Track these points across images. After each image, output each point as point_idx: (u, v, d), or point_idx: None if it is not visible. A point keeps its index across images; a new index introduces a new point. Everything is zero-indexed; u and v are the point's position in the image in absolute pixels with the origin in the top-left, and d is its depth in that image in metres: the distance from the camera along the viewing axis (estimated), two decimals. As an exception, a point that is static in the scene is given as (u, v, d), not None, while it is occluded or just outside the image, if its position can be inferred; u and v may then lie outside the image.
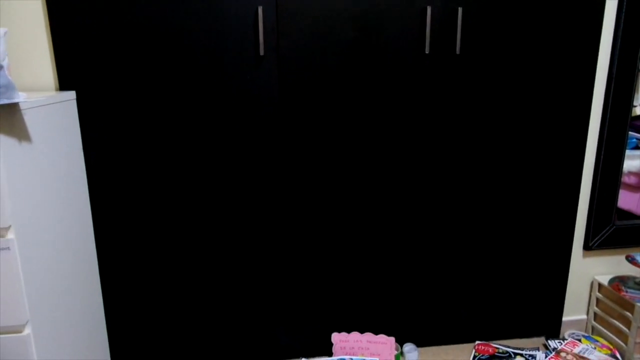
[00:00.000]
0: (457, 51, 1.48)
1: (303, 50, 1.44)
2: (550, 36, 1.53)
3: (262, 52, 1.40)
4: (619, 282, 1.75)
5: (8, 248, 0.99)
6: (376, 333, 1.72)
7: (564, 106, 1.60)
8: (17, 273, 1.01)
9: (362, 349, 1.68)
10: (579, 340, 1.75)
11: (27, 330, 1.04)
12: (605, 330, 1.77)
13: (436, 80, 1.51)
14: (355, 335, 1.69)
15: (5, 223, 0.98)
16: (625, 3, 1.56)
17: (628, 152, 1.73)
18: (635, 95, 1.70)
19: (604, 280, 1.78)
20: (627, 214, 1.79)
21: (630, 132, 1.72)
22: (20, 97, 1.03)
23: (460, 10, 1.45)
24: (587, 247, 1.78)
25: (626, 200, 1.77)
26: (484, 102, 1.56)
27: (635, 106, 1.72)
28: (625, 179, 1.76)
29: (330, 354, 1.71)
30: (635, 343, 1.63)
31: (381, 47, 1.47)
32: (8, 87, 1.00)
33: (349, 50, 1.46)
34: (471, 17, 1.48)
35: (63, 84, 1.36)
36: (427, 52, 1.47)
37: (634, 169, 1.75)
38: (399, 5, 1.44)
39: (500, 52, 1.52)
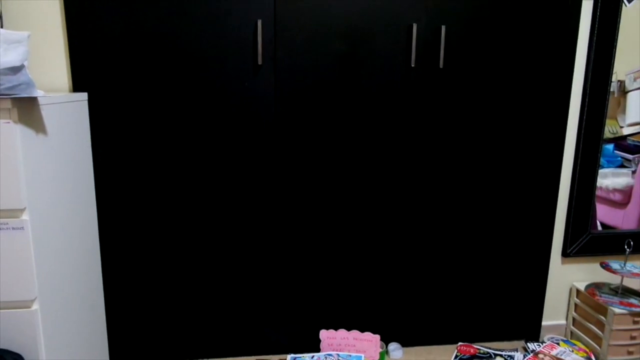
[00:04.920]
0: (441, 65, 1.60)
1: (298, 61, 1.56)
2: (528, 54, 1.65)
3: (260, 62, 1.52)
4: (594, 287, 1.83)
5: (22, 228, 1.09)
6: (362, 331, 1.79)
7: (542, 119, 1.71)
8: (29, 252, 1.10)
9: (349, 345, 1.76)
10: (557, 344, 1.82)
11: (35, 306, 1.13)
12: (582, 335, 1.84)
13: (421, 91, 1.63)
14: (342, 332, 1.77)
15: (21, 205, 1.08)
16: (596, 27, 1.68)
17: (613, 170, 1.83)
18: (622, 117, 1.82)
19: (582, 286, 1.86)
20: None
21: (616, 151, 1.83)
22: (39, 93, 1.14)
23: (443, 28, 1.57)
24: (566, 254, 1.87)
25: (612, 216, 1.87)
26: (466, 113, 1.67)
27: (621, 127, 1.83)
28: (610, 195, 1.85)
29: (317, 350, 1.78)
30: (609, 346, 1.70)
31: (370, 60, 1.59)
32: (29, 84, 1.11)
33: (340, 62, 1.58)
34: (454, 34, 1.60)
35: (76, 86, 1.48)
36: (413, 65, 1.59)
37: (619, 187, 1.85)
38: (387, 22, 1.56)
39: (480, 67, 1.64)
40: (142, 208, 1.60)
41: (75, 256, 1.38)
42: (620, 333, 1.69)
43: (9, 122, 1.04)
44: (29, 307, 1.13)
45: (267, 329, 1.76)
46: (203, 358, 1.76)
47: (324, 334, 1.77)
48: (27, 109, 1.10)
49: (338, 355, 1.72)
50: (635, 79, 1.77)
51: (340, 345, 1.76)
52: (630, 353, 1.72)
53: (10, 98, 1.04)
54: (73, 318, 1.35)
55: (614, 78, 1.75)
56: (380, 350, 1.75)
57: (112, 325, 1.67)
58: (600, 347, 1.74)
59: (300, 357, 1.73)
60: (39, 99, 1.15)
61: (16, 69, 1.09)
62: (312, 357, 1.72)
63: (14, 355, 1.11)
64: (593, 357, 1.75)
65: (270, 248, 1.69)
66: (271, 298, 1.74)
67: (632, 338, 1.70)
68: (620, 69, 1.75)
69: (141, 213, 1.60)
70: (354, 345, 1.76)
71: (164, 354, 1.73)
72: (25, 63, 1.14)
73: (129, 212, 1.60)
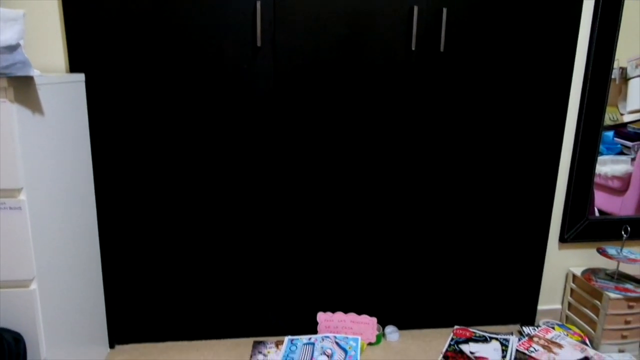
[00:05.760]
0: (442, 49, 1.59)
1: (298, 44, 1.54)
2: (529, 39, 1.64)
3: (259, 44, 1.51)
4: (590, 272, 1.85)
5: (19, 208, 1.09)
6: (359, 314, 1.81)
7: (542, 106, 1.70)
8: (27, 232, 1.10)
9: (346, 328, 1.77)
10: (552, 328, 1.84)
11: (33, 286, 1.14)
12: (577, 319, 1.86)
13: (421, 75, 1.62)
14: (339, 315, 1.79)
15: (18, 185, 1.08)
16: (599, 13, 1.66)
17: (613, 157, 1.83)
18: (623, 104, 1.81)
19: (578, 271, 1.87)
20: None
21: (616, 139, 1.83)
22: (35, 73, 1.13)
23: (445, 10, 1.55)
24: (563, 239, 1.87)
25: (610, 203, 1.87)
26: (466, 98, 1.66)
27: (622, 114, 1.82)
28: (609, 183, 1.86)
29: (315, 332, 1.80)
30: (603, 330, 1.72)
31: (371, 43, 1.58)
32: (25, 63, 1.11)
33: (340, 45, 1.56)
34: (455, 17, 1.58)
35: (73, 67, 1.47)
36: (413, 48, 1.58)
37: (618, 174, 1.85)
38: (388, 4, 1.54)
39: (482, 52, 1.62)
40: (141, 189, 1.60)
41: (73, 236, 1.38)
42: (615, 317, 1.71)
43: (5, 101, 1.04)
44: (28, 287, 1.13)
45: (265, 311, 1.78)
46: (201, 339, 1.77)
47: (321, 316, 1.78)
48: (23, 89, 1.09)
49: (335, 337, 1.73)
50: (637, 66, 1.75)
51: (337, 327, 1.78)
52: (624, 337, 1.74)
53: (6, 77, 1.03)
54: (71, 297, 1.36)
55: (615, 65, 1.74)
56: (377, 332, 1.77)
57: (111, 305, 1.68)
58: (594, 331, 1.76)
59: (297, 339, 1.75)
60: (35, 78, 1.15)
61: (12, 48, 1.08)
62: (310, 338, 1.74)
63: (13, 334, 1.12)
64: (587, 341, 1.76)
65: (269, 231, 1.70)
66: (270, 281, 1.75)
67: (627, 322, 1.72)
68: (622, 56, 1.74)
69: (140, 194, 1.60)
70: (351, 328, 1.77)
71: (162, 334, 1.75)
72: (21, 42, 1.13)
73: (128, 192, 1.60)
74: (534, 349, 1.70)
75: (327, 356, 1.64)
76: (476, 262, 1.84)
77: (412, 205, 1.74)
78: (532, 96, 1.69)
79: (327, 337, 1.74)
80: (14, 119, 1.05)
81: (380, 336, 1.79)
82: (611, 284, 1.75)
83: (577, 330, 1.82)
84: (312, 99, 1.60)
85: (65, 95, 1.34)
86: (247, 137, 1.60)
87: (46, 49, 1.47)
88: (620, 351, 1.75)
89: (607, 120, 1.80)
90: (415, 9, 1.54)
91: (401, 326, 1.86)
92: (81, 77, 1.46)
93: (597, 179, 1.84)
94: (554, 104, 1.71)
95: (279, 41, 1.53)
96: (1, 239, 1.10)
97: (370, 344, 1.76)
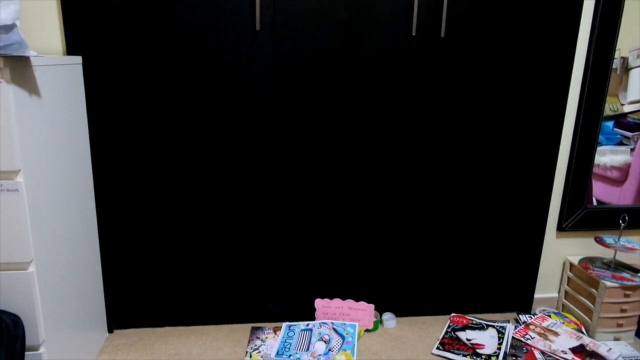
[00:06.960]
0: (442, 34, 1.57)
1: (297, 27, 1.53)
2: (532, 25, 1.62)
3: (258, 27, 1.49)
4: (587, 261, 1.85)
5: (17, 190, 1.08)
6: (357, 301, 1.82)
7: (542, 95, 1.70)
8: (24, 214, 1.10)
9: (343, 314, 1.78)
10: (549, 316, 1.85)
11: (31, 268, 1.13)
12: (574, 308, 1.87)
13: (421, 61, 1.61)
14: (337, 301, 1.79)
15: (15, 166, 1.07)
16: (601, 2, 1.64)
17: (612, 148, 1.82)
18: (623, 94, 1.80)
19: (576, 260, 1.88)
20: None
21: (615, 129, 1.82)
22: (32, 53, 1.12)
23: (446, -4, 1.54)
24: (561, 228, 1.88)
25: (608, 194, 1.87)
26: (466, 85, 1.65)
27: (622, 104, 1.81)
28: (607, 173, 1.85)
29: (313, 319, 1.80)
30: (599, 318, 1.73)
31: (371, 28, 1.56)
32: (21, 44, 1.09)
33: (340, 29, 1.55)
34: (456, 3, 1.57)
35: (70, 49, 1.45)
36: (414, 34, 1.57)
37: (617, 164, 1.84)
38: (389, -11, 1.53)
39: (482, 38, 1.61)
40: (139, 173, 1.59)
41: (71, 218, 1.38)
42: (611, 306, 1.72)
43: (1, 82, 1.02)
44: (26, 269, 1.13)
45: (263, 297, 1.78)
46: (200, 324, 1.78)
47: (319, 303, 1.79)
48: (19, 69, 1.08)
49: (333, 323, 1.74)
50: (638, 56, 1.74)
51: (335, 314, 1.78)
52: (619, 325, 1.75)
53: (2, 57, 1.02)
54: (70, 280, 1.36)
55: (617, 54, 1.73)
56: (375, 319, 1.78)
57: (109, 288, 1.68)
58: (591, 319, 1.77)
59: (295, 325, 1.75)
60: (31, 59, 1.13)
61: (8, 28, 1.06)
62: (307, 325, 1.75)
63: (11, 316, 1.12)
64: (583, 329, 1.78)
65: (268, 218, 1.70)
66: (268, 267, 1.75)
67: (623, 311, 1.73)
68: (624, 46, 1.72)
69: (138, 178, 1.60)
70: (349, 314, 1.78)
71: (161, 319, 1.75)
72: (17, 22, 1.11)
73: (126, 176, 1.59)
74: (530, 336, 1.71)
75: (325, 342, 1.65)
76: (474, 250, 1.84)
77: (411, 194, 1.74)
78: (533, 85, 1.68)
79: (325, 323, 1.75)
80: (10, 100, 1.04)
81: (378, 323, 1.80)
82: (608, 273, 1.76)
83: (573, 319, 1.83)
84: (311, 83, 1.58)
85: (63, 77, 1.32)
86: (246, 121, 1.59)
87: (43, 31, 1.45)
88: (616, 339, 1.76)
89: (608, 110, 1.79)
90: (417, -6, 1.52)
91: (398, 313, 1.87)
92: (78, 59, 1.44)
93: (596, 170, 1.84)
94: (555, 92, 1.70)
95: (278, 25, 1.52)
96: (-2, 221, 1.09)
97: (367, 330, 1.77)
